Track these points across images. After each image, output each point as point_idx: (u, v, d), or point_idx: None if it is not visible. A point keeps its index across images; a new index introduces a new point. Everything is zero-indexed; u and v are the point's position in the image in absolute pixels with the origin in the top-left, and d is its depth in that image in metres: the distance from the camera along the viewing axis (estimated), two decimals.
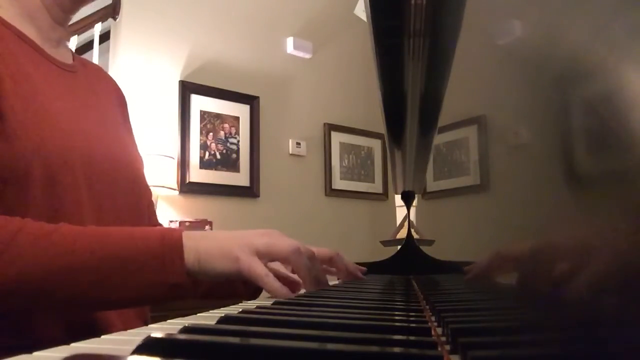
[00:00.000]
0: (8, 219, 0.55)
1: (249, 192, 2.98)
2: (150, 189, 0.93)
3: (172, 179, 2.60)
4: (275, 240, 0.61)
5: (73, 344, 0.27)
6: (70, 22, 0.81)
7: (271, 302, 0.48)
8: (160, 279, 0.56)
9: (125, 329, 0.34)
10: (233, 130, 2.97)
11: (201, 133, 2.84)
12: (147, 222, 0.84)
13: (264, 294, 0.67)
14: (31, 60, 0.69)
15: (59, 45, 0.78)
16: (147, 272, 0.56)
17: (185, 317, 0.40)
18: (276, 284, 0.59)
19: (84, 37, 2.89)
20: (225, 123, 2.94)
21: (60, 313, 0.63)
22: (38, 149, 0.61)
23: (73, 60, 0.81)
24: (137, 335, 0.29)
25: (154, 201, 2.49)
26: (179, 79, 2.82)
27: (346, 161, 3.48)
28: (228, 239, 0.60)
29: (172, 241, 0.58)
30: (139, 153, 0.91)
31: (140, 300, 0.58)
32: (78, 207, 0.66)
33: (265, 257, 0.60)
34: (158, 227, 0.62)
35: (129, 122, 0.92)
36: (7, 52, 0.65)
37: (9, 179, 0.59)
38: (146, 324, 0.64)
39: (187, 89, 2.82)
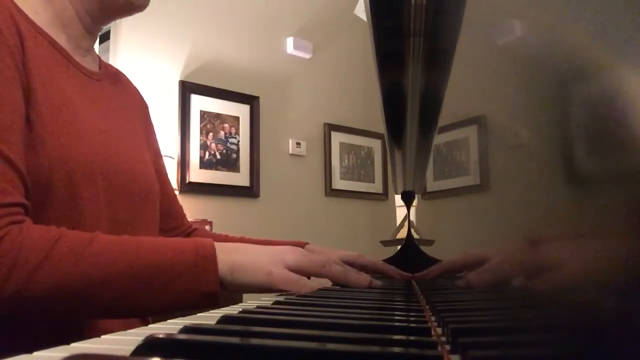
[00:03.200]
0: (46, 228, 0.57)
1: (249, 192, 2.98)
2: (171, 188, 0.95)
3: (172, 179, 2.60)
4: (304, 257, 0.65)
5: (73, 344, 0.27)
6: None
7: (271, 302, 0.48)
8: (195, 288, 0.58)
9: (126, 329, 0.34)
10: (233, 130, 2.96)
11: (201, 133, 2.84)
12: (158, 230, 0.85)
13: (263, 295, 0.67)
14: (62, 68, 0.70)
15: (87, 54, 0.79)
16: (182, 281, 0.58)
17: (185, 317, 0.40)
18: (312, 284, 0.61)
19: None
20: (225, 123, 2.94)
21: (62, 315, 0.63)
22: (62, 160, 0.62)
23: (100, 67, 0.82)
24: (137, 335, 0.29)
25: None
26: (179, 79, 2.82)
27: (346, 161, 3.48)
28: (260, 254, 0.63)
29: (205, 252, 0.60)
30: (159, 155, 0.93)
31: (173, 307, 0.60)
32: (96, 219, 0.67)
33: (295, 271, 0.63)
34: (191, 238, 0.65)
35: (152, 125, 0.93)
36: (41, 62, 0.65)
37: (32, 188, 0.60)
38: (146, 324, 0.65)
39: (187, 89, 2.82)
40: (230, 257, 0.61)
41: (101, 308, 0.58)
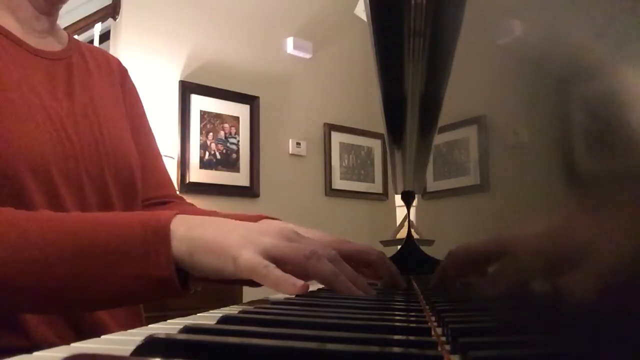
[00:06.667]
0: None
1: (249, 192, 2.98)
2: (159, 159, 0.89)
3: (172, 179, 2.59)
4: (286, 243, 0.50)
5: (73, 344, 0.27)
6: (71, 22, 0.79)
7: (271, 302, 0.48)
8: (144, 272, 0.48)
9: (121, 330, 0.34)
10: (233, 130, 2.96)
11: (201, 133, 2.84)
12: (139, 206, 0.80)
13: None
14: (7, 54, 0.67)
15: (47, 35, 0.75)
16: (129, 263, 0.48)
17: (185, 317, 0.40)
18: (277, 273, 0.48)
19: (84, 37, 2.89)
20: (225, 123, 2.94)
21: (52, 316, 0.61)
22: (4, 158, 0.57)
23: (68, 45, 0.78)
24: (137, 335, 0.29)
25: None
26: (179, 79, 2.82)
27: (346, 161, 3.48)
28: (231, 232, 0.50)
29: (157, 227, 0.48)
30: (147, 129, 0.87)
31: (124, 297, 0.50)
32: (58, 210, 0.61)
33: (271, 260, 0.49)
34: (148, 211, 0.55)
35: (134, 99, 0.87)
36: None
37: None
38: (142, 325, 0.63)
39: (187, 89, 2.82)
40: (191, 233, 0.49)
41: (38, 301, 0.49)
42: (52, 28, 0.77)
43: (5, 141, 0.58)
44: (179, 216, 0.50)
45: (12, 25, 0.70)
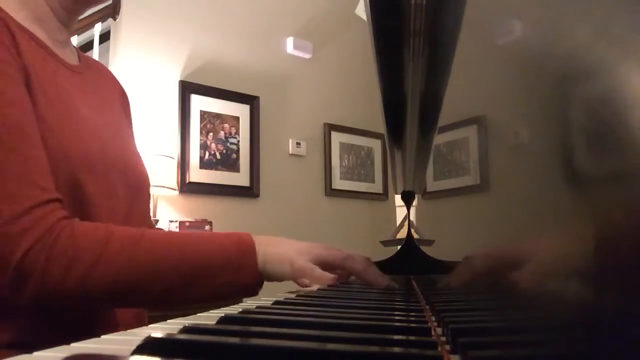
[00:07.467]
0: (95, 226, 0.60)
1: (249, 192, 2.98)
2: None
3: (172, 179, 2.60)
4: (328, 251, 0.70)
5: (73, 344, 0.27)
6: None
7: (271, 302, 0.48)
8: (235, 280, 0.63)
9: (123, 330, 0.34)
10: (233, 130, 2.96)
11: (201, 133, 2.84)
12: (150, 221, 0.85)
13: (267, 291, 0.67)
14: (48, 63, 0.69)
15: (65, 47, 0.77)
16: (225, 274, 0.63)
17: (185, 317, 0.40)
18: (318, 272, 0.66)
19: (84, 37, 2.89)
20: (225, 123, 2.94)
21: (60, 314, 0.63)
22: (63, 155, 0.63)
23: (79, 60, 0.81)
24: (137, 335, 0.29)
25: (154, 201, 2.49)
26: (179, 79, 2.82)
27: (346, 161, 3.48)
28: (288, 247, 0.68)
29: (246, 246, 0.65)
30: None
31: (215, 298, 0.65)
32: (99, 213, 0.67)
33: (319, 263, 0.68)
34: (232, 232, 0.69)
35: (131, 121, 0.92)
36: (30, 58, 0.65)
37: None
38: (144, 324, 0.65)
39: (187, 89, 2.82)
40: (266, 250, 0.66)
41: (151, 300, 0.63)
42: (68, 39, 0.79)
43: (71, 148, 0.65)
44: (255, 237, 0.67)
45: (41, 36, 0.72)
